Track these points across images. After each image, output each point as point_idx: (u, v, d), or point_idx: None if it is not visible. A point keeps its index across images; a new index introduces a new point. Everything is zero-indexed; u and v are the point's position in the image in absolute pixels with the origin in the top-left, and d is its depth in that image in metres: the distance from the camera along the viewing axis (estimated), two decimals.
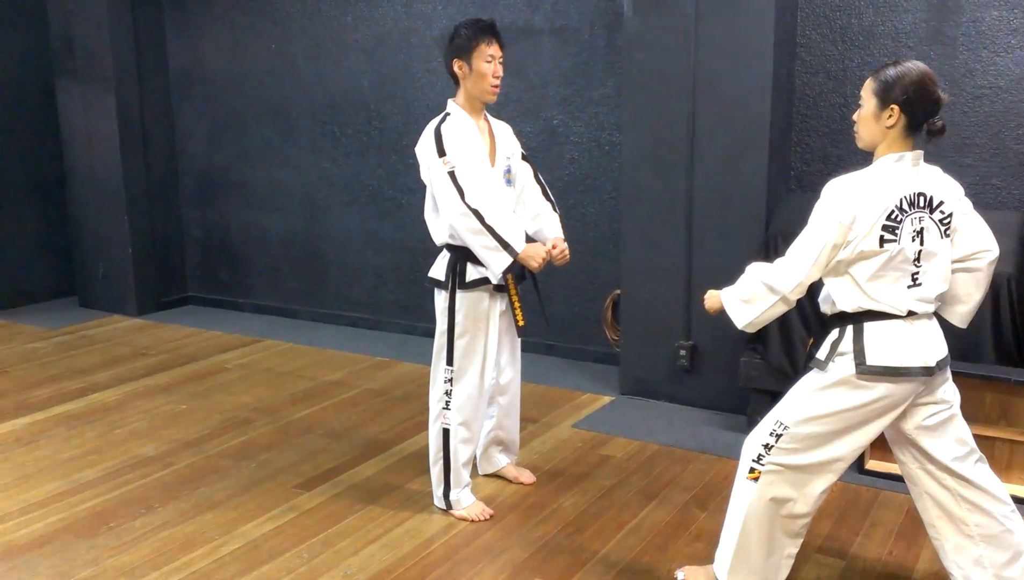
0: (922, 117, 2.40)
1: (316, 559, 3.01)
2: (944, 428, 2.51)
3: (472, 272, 3.11)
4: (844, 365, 2.44)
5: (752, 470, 2.57)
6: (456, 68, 3.06)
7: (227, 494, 3.51)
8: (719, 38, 4.03)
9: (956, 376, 2.60)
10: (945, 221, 2.44)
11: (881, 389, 2.41)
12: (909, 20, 4.09)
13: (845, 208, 2.38)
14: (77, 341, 5.84)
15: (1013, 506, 2.56)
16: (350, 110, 5.82)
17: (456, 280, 3.12)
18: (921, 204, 2.42)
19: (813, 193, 4.33)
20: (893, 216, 2.37)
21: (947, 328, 2.57)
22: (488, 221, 2.98)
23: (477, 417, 3.26)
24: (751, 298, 2.59)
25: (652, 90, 4.23)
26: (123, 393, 4.74)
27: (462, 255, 3.10)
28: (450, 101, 3.14)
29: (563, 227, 3.37)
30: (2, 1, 6.49)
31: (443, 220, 3.08)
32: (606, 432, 4.10)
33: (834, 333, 2.51)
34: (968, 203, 2.51)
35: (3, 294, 6.64)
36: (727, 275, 4.11)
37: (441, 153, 3.00)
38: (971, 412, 3.40)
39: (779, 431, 2.55)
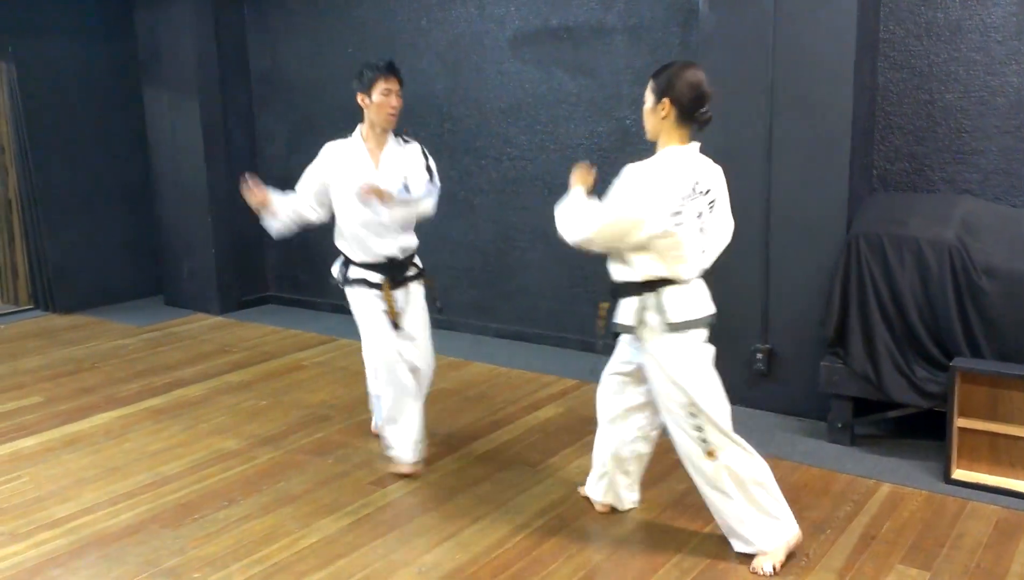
0: (690, 109, 2.78)
1: (391, 555, 3.05)
2: None
3: (357, 272, 3.66)
4: (656, 325, 2.86)
5: (709, 452, 2.89)
6: (360, 100, 3.60)
7: (305, 489, 3.59)
8: (798, 34, 3.94)
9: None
10: (711, 203, 2.87)
11: (700, 334, 2.93)
12: (999, 14, 3.94)
13: (645, 194, 2.74)
14: (163, 338, 6.05)
15: None
16: (424, 112, 5.89)
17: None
18: (701, 190, 2.81)
19: (898, 193, 4.23)
20: (682, 200, 2.75)
21: None
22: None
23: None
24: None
25: (728, 88, 4.14)
26: (206, 389, 4.89)
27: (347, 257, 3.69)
28: (359, 125, 3.66)
29: None
30: (92, 15, 6.78)
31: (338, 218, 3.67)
32: None
33: (634, 300, 2.88)
34: (724, 190, 2.93)
35: (94, 293, 6.93)
36: (807, 278, 4.05)
37: (320, 176, 3.62)
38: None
39: (695, 411, 2.90)
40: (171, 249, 6.91)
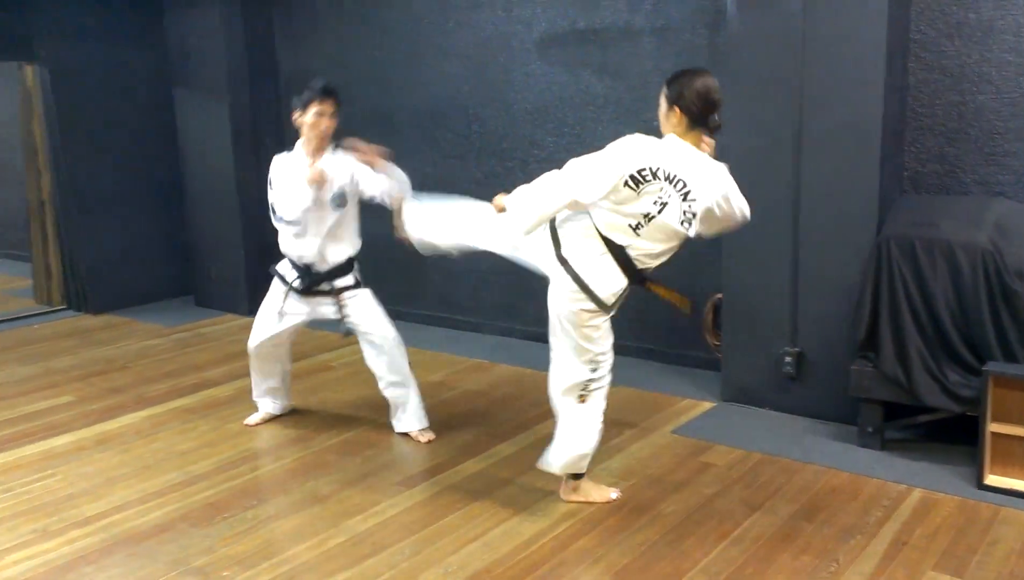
0: (700, 117, 2.94)
1: (417, 556, 3.06)
2: None
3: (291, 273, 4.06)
4: (592, 305, 3.11)
5: (581, 397, 3.24)
6: (295, 118, 3.96)
7: (332, 489, 3.61)
8: (828, 35, 3.90)
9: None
10: (688, 213, 2.98)
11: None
12: None
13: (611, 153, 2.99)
14: (192, 339, 6.11)
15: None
16: (450, 114, 5.91)
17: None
18: (677, 186, 2.95)
19: (929, 195, 4.18)
20: (643, 173, 2.93)
21: None
22: (290, 220, 3.92)
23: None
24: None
25: (757, 89, 4.13)
26: (235, 389, 4.93)
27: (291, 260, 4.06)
28: (299, 140, 3.99)
29: None
30: (124, 18, 6.86)
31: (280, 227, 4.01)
32: (707, 439, 4.02)
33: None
34: (711, 198, 2.97)
35: (125, 293, 7.01)
36: (837, 281, 4.01)
37: (270, 185, 3.98)
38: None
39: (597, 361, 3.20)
40: (201, 250, 6.98)
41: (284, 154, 4.04)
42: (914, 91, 4.22)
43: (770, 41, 4.05)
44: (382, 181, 3.97)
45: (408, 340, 5.85)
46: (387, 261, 6.50)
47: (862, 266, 3.84)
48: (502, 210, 3.22)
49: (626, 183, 2.95)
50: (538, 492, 3.52)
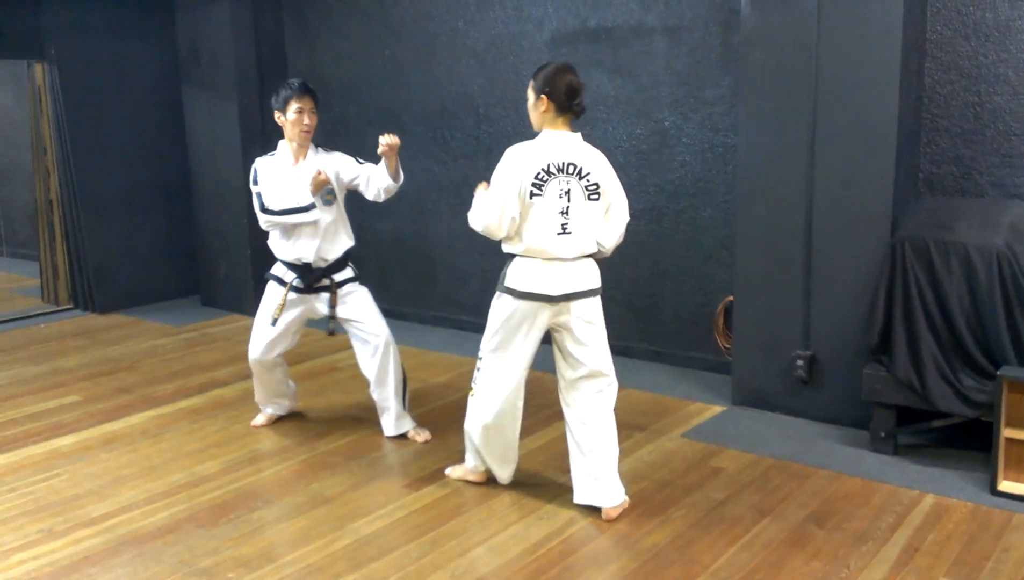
0: (566, 102, 3.17)
1: (424, 559, 3.03)
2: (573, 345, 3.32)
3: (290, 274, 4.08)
4: (499, 288, 3.31)
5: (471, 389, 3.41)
6: (277, 118, 3.99)
7: (339, 491, 3.59)
8: (843, 35, 3.86)
9: None
10: (589, 186, 3.19)
11: (514, 305, 3.26)
12: None
13: (508, 169, 3.17)
14: (199, 339, 6.10)
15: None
16: (460, 114, 5.88)
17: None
18: (568, 169, 3.16)
19: (945, 197, 4.13)
20: (540, 177, 3.13)
21: None
22: (279, 210, 3.94)
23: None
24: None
25: (770, 89, 4.09)
26: (242, 389, 4.91)
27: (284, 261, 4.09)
28: (281, 140, 4.04)
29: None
30: (134, 15, 6.87)
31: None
32: (717, 443, 3.98)
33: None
34: (608, 175, 3.22)
35: (132, 293, 7.01)
36: (850, 283, 3.97)
37: (254, 182, 4.01)
38: None
39: (480, 356, 3.39)
40: (208, 250, 6.97)
41: (267, 157, 4.06)
42: (930, 92, 4.17)
43: (784, 40, 4.01)
44: (381, 175, 3.94)
45: (415, 341, 5.86)
46: (393, 262, 6.50)
47: (876, 269, 3.80)
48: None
49: (531, 194, 3.15)
50: (546, 496, 3.49)
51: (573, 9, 5.22)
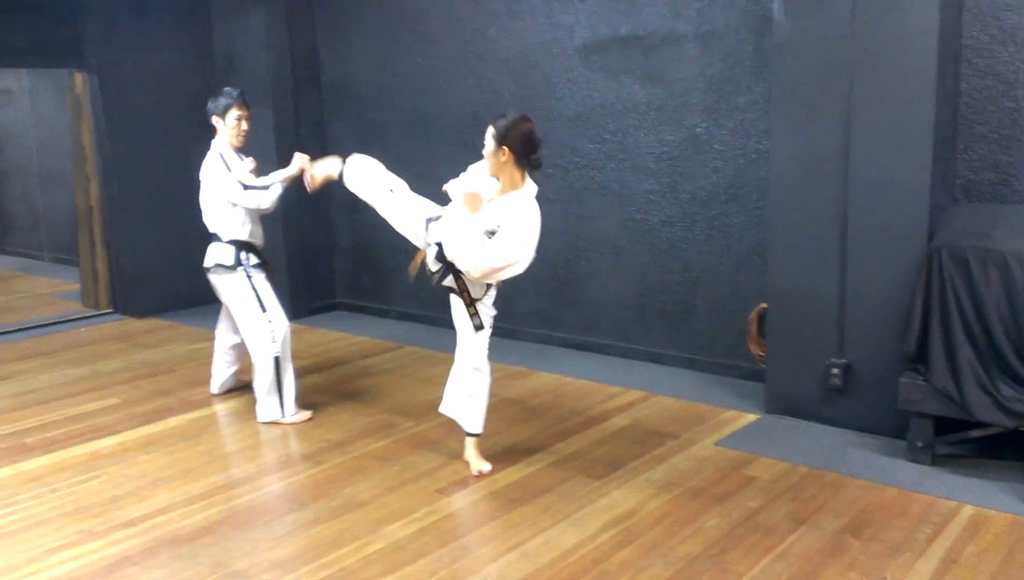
0: (524, 154, 3.47)
1: (456, 563, 3.05)
2: None
3: (253, 258, 4.60)
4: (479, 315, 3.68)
5: (478, 368, 3.72)
6: (214, 121, 4.57)
7: (372, 494, 3.62)
8: (877, 40, 3.83)
9: None
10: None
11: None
12: None
13: (527, 238, 3.48)
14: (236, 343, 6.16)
15: None
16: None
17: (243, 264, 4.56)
18: None
19: (982, 204, 4.08)
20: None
21: None
22: (262, 184, 4.54)
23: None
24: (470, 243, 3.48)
25: (804, 95, 4.07)
26: None
27: (244, 246, 4.57)
28: (215, 143, 4.59)
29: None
30: (171, 25, 6.99)
31: (239, 214, 4.55)
32: (751, 452, 3.96)
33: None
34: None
35: (171, 297, 7.12)
36: (886, 291, 3.93)
37: (229, 170, 4.51)
38: None
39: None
40: None
41: (214, 155, 4.56)
42: (966, 97, 4.12)
43: (818, 46, 3.98)
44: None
45: (444, 346, 5.86)
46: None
47: (912, 276, 3.76)
48: (474, 203, 3.53)
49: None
50: (577, 502, 3.49)
51: (604, 16, 5.22)
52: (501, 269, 3.47)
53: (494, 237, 3.47)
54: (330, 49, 6.81)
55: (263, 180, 4.55)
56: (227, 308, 4.73)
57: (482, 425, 3.84)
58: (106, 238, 7.06)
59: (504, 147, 3.43)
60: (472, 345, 3.73)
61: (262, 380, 4.49)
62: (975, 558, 3.00)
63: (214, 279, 4.62)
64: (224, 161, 4.51)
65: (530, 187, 3.55)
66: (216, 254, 4.56)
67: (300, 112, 6.78)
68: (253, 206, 4.52)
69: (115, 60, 6.74)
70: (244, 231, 4.56)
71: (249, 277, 4.53)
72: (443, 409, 3.93)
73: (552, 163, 5.65)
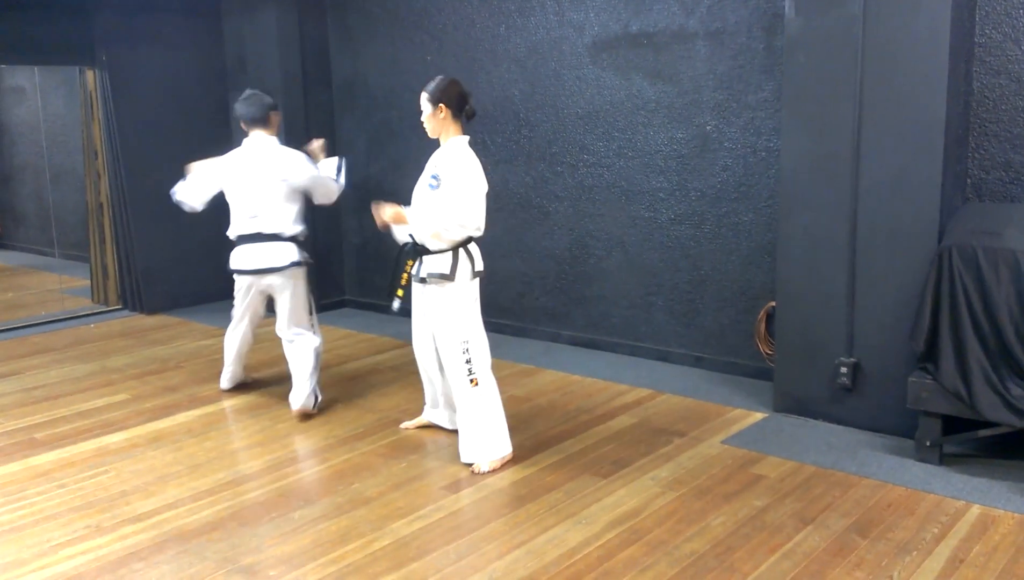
0: (459, 107, 3.71)
1: (462, 561, 3.05)
2: None
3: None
4: (464, 275, 3.75)
5: (472, 381, 3.74)
6: (273, 116, 4.58)
7: (379, 491, 3.62)
8: (889, 39, 3.81)
9: None
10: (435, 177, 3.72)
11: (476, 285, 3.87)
12: None
13: (476, 168, 3.69)
14: None
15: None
16: (500, 118, 5.91)
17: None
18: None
19: (993, 203, 4.05)
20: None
21: None
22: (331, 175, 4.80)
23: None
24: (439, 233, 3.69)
25: (815, 94, 4.05)
26: (284, 391, 4.97)
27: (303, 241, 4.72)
28: (268, 137, 4.62)
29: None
30: (182, 23, 7.01)
31: (297, 209, 4.74)
32: (758, 450, 3.95)
33: (447, 256, 3.73)
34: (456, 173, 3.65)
35: (179, 294, 7.15)
36: (895, 290, 3.91)
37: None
38: None
39: (466, 346, 3.76)
40: None
41: (286, 151, 4.66)
42: (978, 96, 4.10)
43: (829, 44, 3.96)
44: None
45: None
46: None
47: (922, 275, 3.74)
48: (399, 221, 3.80)
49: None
50: (584, 500, 3.49)
51: (615, 14, 5.21)
52: (464, 213, 3.61)
53: (442, 189, 3.66)
54: (341, 48, 6.82)
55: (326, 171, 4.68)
56: (282, 307, 4.70)
57: (507, 442, 3.87)
58: (116, 235, 7.10)
59: (441, 104, 3.67)
60: (458, 351, 3.76)
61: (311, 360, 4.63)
62: (983, 558, 2.98)
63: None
64: (308, 156, 4.61)
65: (464, 137, 3.77)
66: (282, 253, 4.65)
67: (310, 110, 6.79)
68: (334, 199, 4.77)
69: (126, 58, 6.77)
70: (300, 226, 4.67)
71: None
72: (463, 458, 3.87)
73: (561, 160, 5.65)
